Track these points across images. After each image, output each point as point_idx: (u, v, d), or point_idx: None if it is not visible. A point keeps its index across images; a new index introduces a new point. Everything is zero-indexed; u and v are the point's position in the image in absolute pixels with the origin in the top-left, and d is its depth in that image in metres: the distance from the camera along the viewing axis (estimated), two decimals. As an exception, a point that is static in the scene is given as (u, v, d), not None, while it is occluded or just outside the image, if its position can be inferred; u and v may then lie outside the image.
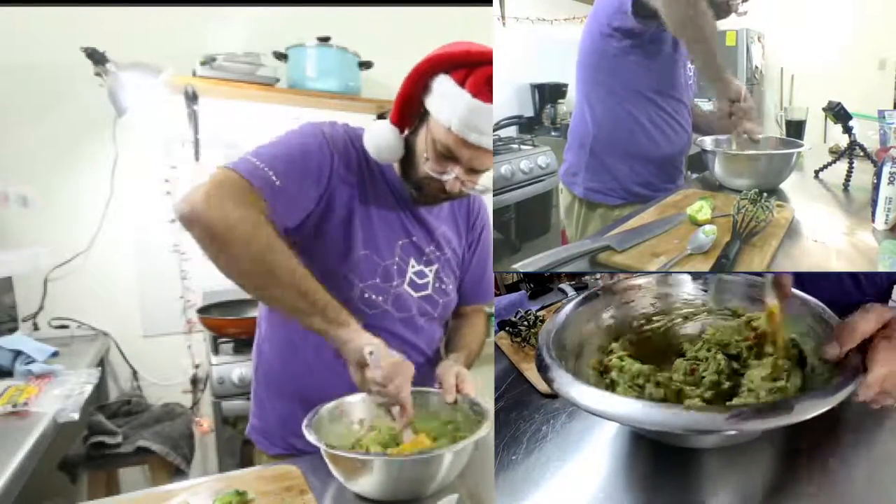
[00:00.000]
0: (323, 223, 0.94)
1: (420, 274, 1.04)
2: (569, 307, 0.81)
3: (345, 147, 0.96)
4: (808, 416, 0.52)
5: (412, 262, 1.02)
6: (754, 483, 0.65)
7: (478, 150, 0.88)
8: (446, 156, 0.90)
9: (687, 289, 0.89)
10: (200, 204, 0.79)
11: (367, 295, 0.97)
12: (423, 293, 1.04)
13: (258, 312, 1.10)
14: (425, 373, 1.08)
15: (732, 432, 0.52)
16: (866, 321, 0.59)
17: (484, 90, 0.85)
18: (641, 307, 0.87)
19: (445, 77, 0.87)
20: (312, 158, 0.91)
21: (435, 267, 1.06)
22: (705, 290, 0.88)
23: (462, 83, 0.86)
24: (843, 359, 0.61)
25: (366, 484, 0.80)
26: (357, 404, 0.95)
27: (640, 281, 0.88)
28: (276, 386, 1.06)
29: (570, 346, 0.76)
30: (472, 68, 0.86)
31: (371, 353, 0.83)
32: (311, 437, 0.82)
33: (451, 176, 0.91)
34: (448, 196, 0.95)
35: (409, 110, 0.93)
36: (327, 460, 0.82)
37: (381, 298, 0.99)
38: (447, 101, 0.86)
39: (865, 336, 0.59)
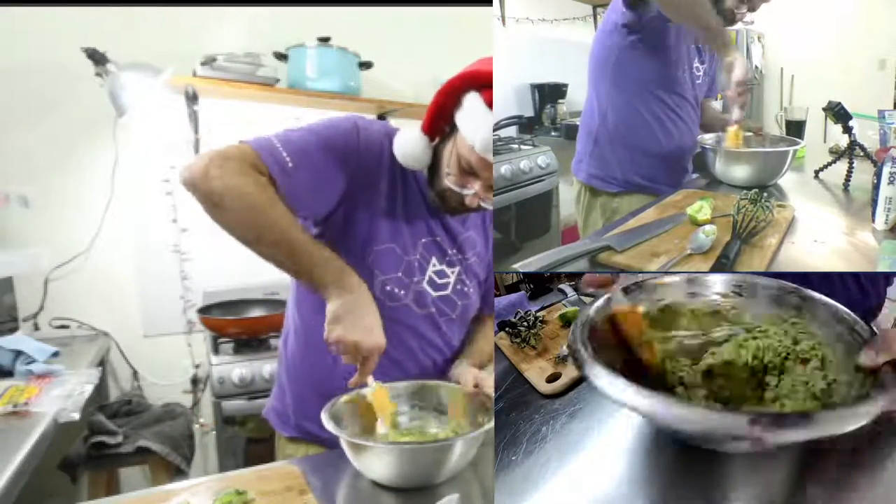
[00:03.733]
0: (351, 214, 0.96)
1: (441, 274, 1.05)
2: (601, 301, 0.78)
3: (378, 143, 0.97)
4: (834, 432, 0.49)
5: (434, 260, 1.03)
6: (764, 490, 0.63)
7: None
8: (468, 172, 0.91)
9: (718, 289, 0.84)
10: (199, 173, 0.83)
11: (388, 287, 0.99)
12: (442, 293, 1.05)
13: (287, 305, 1.13)
14: (444, 372, 1.09)
15: (752, 438, 0.49)
16: None
17: None
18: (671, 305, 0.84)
19: (476, 95, 0.87)
20: (335, 150, 0.93)
21: (457, 269, 1.06)
22: (739, 294, 0.83)
23: (490, 104, 0.86)
24: (876, 372, 0.59)
25: (380, 470, 0.83)
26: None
27: (670, 279, 0.85)
28: (296, 372, 1.09)
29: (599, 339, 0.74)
30: None
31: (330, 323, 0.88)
32: (329, 425, 0.85)
33: (471, 192, 0.92)
34: (466, 210, 0.96)
35: (439, 122, 0.93)
36: (345, 447, 0.85)
37: (402, 292, 1.00)
38: (474, 119, 0.87)
39: None
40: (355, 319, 0.88)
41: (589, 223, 1.52)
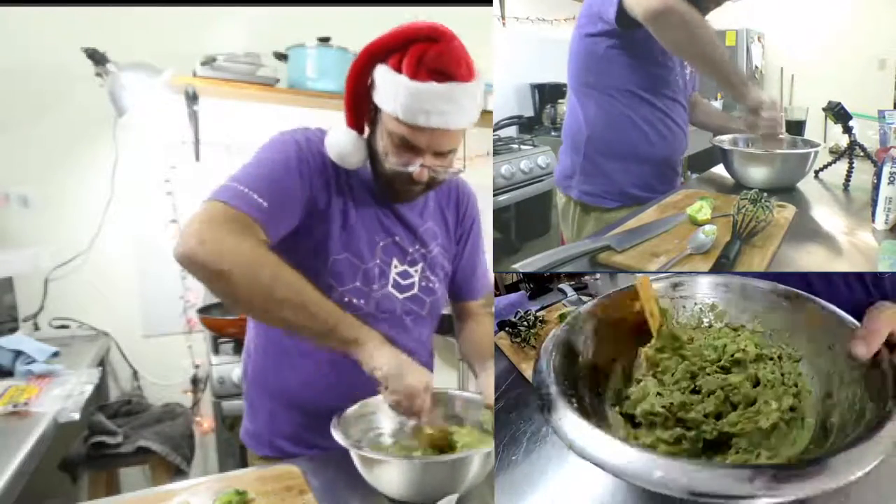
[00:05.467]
0: (301, 230, 0.93)
1: (404, 274, 1.03)
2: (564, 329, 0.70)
3: (318, 153, 0.94)
4: (850, 478, 0.43)
5: (395, 262, 1.01)
6: None
7: (433, 132, 0.86)
8: (406, 146, 0.88)
9: (702, 296, 0.81)
10: (195, 245, 0.78)
11: (346, 299, 0.96)
12: (408, 293, 1.03)
13: (248, 321, 1.09)
14: None
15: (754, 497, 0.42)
16: (888, 321, 0.58)
17: (421, 70, 0.82)
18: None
19: (383, 66, 0.86)
20: (291, 173, 0.90)
21: (420, 266, 1.04)
22: (726, 295, 0.79)
23: (398, 68, 0.84)
24: (875, 367, 0.57)
25: (393, 485, 0.81)
26: (382, 404, 0.96)
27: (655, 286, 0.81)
28: (264, 388, 1.06)
29: (580, 364, 0.68)
30: (405, 49, 0.84)
31: (385, 385, 0.85)
32: (338, 437, 0.83)
33: (416, 167, 0.89)
34: (418, 186, 0.93)
35: (359, 111, 0.92)
36: (356, 461, 0.82)
37: (362, 301, 0.98)
38: (388, 90, 0.85)
39: (885, 336, 0.58)
40: (405, 379, 0.84)
41: (582, 238, 1.46)
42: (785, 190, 1.28)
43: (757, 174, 1.29)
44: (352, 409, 0.92)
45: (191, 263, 0.79)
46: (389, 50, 0.85)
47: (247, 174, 0.88)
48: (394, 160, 0.89)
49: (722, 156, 1.37)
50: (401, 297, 1.02)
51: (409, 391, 0.84)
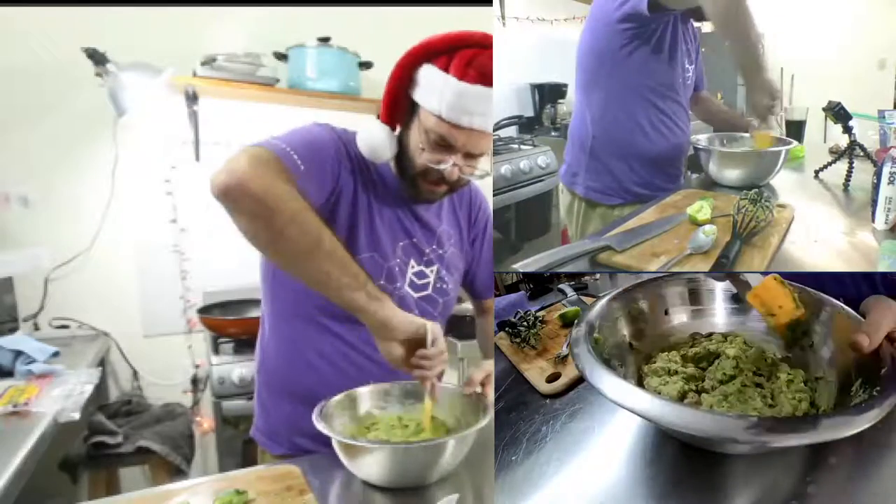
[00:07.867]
0: (329, 224, 0.91)
1: (420, 275, 1.04)
2: (604, 301, 0.82)
3: (349, 148, 0.96)
4: (836, 436, 0.50)
5: (412, 262, 1.03)
6: (763, 491, 0.63)
7: (472, 133, 0.88)
8: (442, 145, 0.90)
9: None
10: (247, 174, 0.74)
11: None
12: (422, 293, 1.04)
13: (261, 312, 1.09)
14: None
15: (750, 443, 0.51)
16: (887, 317, 0.64)
17: (469, 72, 0.85)
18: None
19: (429, 66, 0.87)
20: (327, 150, 0.91)
21: (435, 267, 1.06)
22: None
23: (446, 69, 0.86)
24: (876, 359, 0.63)
25: (372, 470, 0.83)
26: (364, 395, 0.98)
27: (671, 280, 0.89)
28: (280, 387, 1.06)
29: (606, 341, 0.77)
30: (453, 53, 0.86)
31: (433, 332, 0.85)
32: (321, 426, 0.84)
33: (449, 164, 0.90)
34: (447, 185, 0.94)
35: (397, 107, 0.93)
36: (337, 449, 0.84)
37: None
38: (433, 89, 0.87)
39: (888, 331, 0.64)
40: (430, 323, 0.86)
41: (587, 234, 1.47)
42: (755, 187, 1.30)
43: (730, 173, 1.32)
44: (335, 399, 0.94)
45: (241, 194, 0.74)
46: (437, 52, 0.87)
47: (288, 136, 0.88)
48: (428, 156, 0.91)
49: (698, 155, 1.40)
50: (415, 296, 1.03)
51: (437, 329, 0.86)
